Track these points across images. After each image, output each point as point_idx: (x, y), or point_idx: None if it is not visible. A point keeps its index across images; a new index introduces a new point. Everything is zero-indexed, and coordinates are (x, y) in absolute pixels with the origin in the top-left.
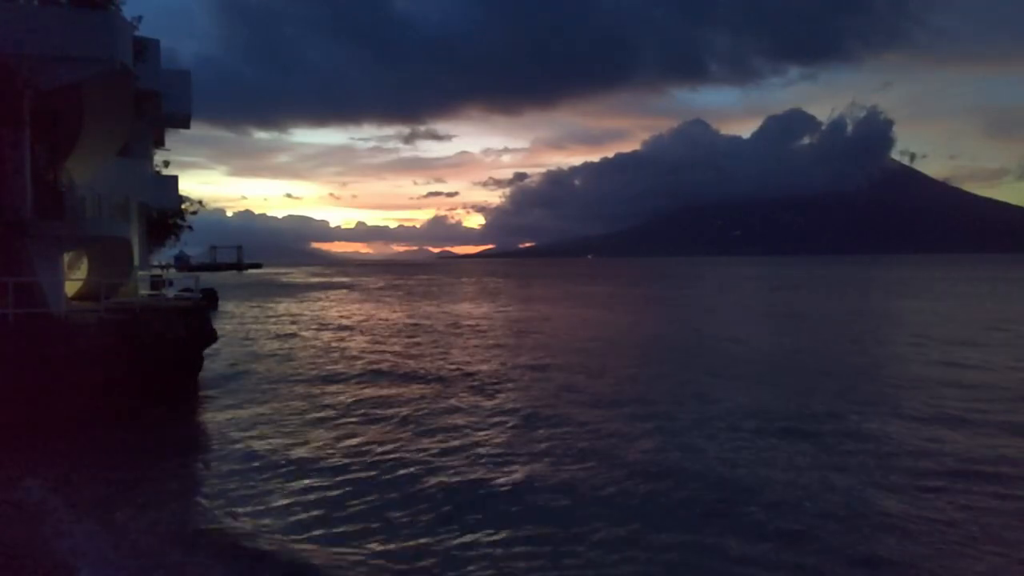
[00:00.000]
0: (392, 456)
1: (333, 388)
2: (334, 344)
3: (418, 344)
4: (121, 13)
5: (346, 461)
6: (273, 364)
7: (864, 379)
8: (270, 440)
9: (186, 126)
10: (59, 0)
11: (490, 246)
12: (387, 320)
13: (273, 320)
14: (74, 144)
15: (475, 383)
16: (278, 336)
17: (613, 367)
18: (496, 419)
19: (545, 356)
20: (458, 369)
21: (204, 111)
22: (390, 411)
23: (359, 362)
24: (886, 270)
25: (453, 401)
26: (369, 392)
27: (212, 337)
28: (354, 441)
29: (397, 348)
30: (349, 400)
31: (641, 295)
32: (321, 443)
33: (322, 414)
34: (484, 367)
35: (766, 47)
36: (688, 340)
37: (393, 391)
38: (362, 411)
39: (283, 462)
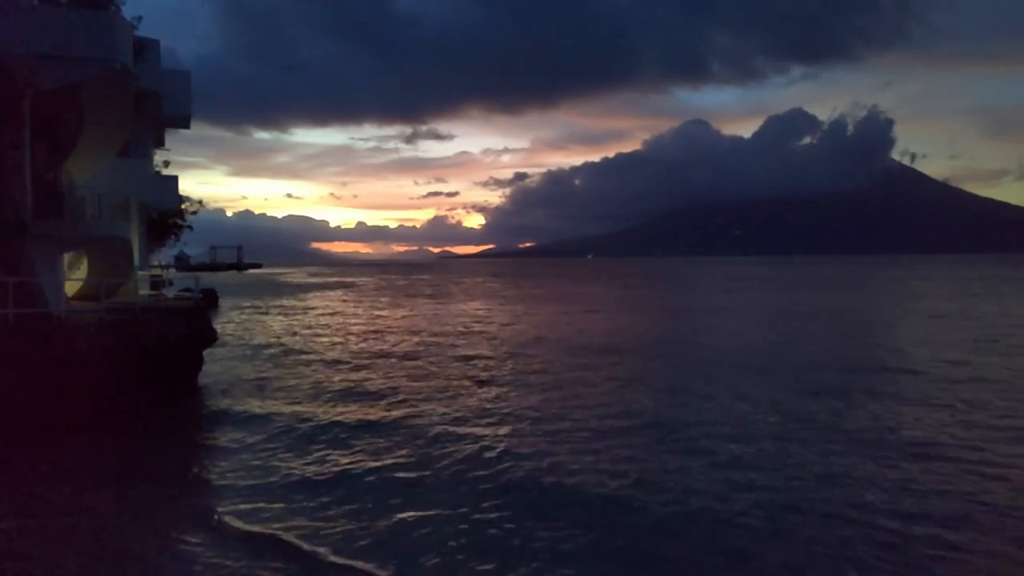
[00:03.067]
0: (391, 455)
1: (334, 386)
2: (334, 343)
3: (415, 344)
4: (121, 13)
5: (347, 461)
6: (274, 364)
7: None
8: (271, 439)
9: (186, 126)
10: (59, 0)
11: (490, 246)
12: (386, 320)
13: (273, 320)
14: (74, 144)
15: (480, 389)
16: (279, 336)
17: (610, 373)
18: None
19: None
20: (454, 372)
21: (204, 111)
22: (390, 411)
23: (359, 361)
24: (885, 270)
25: (451, 401)
26: (370, 391)
27: (212, 337)
28: (355, 441)
29: (397, 348)
30: (350, 400)
31: (639, 296)
32: (321, 440)
33: (323, 413)
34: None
35: (768, 46)
36: (679, 346)
37: (392, 391)
38: (364, 411)
39: (283, 461)
